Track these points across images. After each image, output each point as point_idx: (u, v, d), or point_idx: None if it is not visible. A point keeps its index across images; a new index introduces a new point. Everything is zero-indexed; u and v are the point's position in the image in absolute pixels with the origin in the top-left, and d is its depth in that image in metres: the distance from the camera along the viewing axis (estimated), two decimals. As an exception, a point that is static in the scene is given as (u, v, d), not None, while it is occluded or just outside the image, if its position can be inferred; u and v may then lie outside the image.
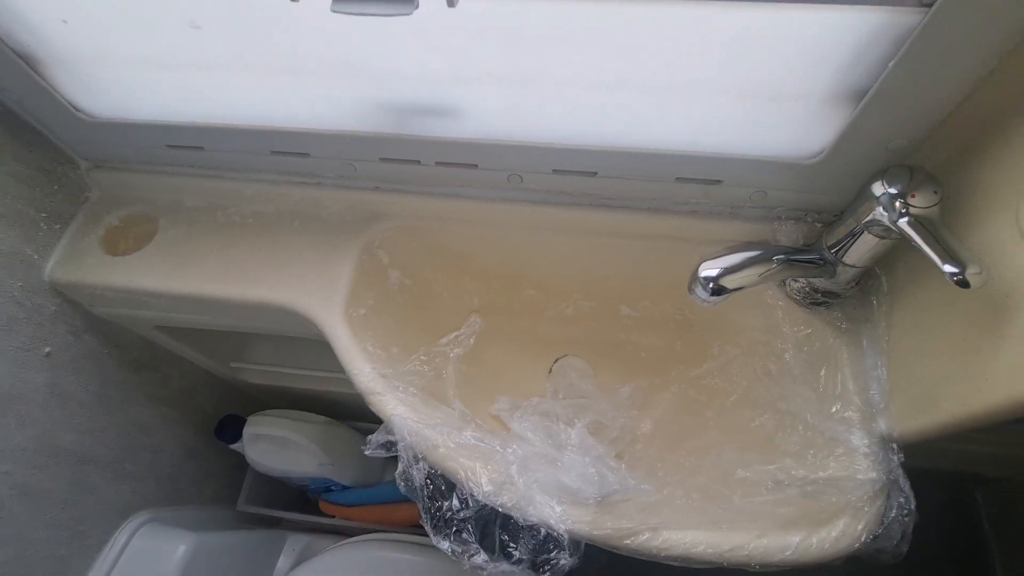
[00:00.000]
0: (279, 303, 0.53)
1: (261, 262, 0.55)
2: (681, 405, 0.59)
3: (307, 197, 0.57)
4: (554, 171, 0.47)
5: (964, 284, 0.33)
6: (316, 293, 0.53)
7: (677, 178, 0.46)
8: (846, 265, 0.43)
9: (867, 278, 0.47)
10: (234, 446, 0.86)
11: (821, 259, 0.44)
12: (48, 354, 0.57)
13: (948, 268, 0.33)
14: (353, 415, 0.91)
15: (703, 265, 0.37)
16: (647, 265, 0.58)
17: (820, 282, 0.46)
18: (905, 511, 0.41)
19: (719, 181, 0.45)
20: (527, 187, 0.50)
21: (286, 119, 0.48)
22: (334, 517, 0.90)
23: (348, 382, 0.50)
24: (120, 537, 0.69)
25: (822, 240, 0.44)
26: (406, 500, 0.86)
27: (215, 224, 0.58)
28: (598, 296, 0.64)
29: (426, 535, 0.84)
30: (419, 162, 0.49)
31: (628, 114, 0.43)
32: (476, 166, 0.48)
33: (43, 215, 0.55)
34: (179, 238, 0.58)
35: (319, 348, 0.82)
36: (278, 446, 0.83)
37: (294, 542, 0.91)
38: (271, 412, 0.84)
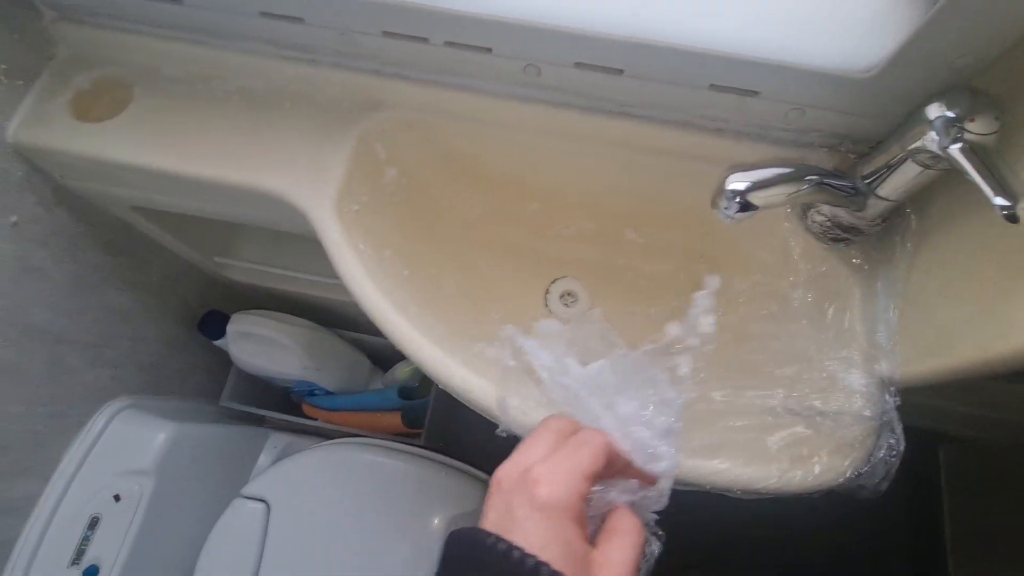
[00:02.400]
0: (266, 189, 0.49)
1: (247, 143, 0.51)
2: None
3: (300, 75, 0.51)
4: (576, 64, 0.42)
5: (1013, 219, 0.30)
6: (306, 182, 0.49)
7: (711, 85, 0.41)
8: (879, 198, 0.40)
9: (894, 216, 0.44)
10: (218, 342, 0.84)
11: (853, 189, 0.41)
12: (15, 224, 0.54)
13: (999, 200, 0.30)
14: (340, 323, 0.90)
15: (732, 176, 0.34)
16: (660, 186, 0.54)
17: (845, 216, 0.44)
18: (894, 452, 0.41)
19: (756, 92, 0.41)
20: (544, 83, 0.45)
21: (279, -26, 0.42)
22: (316, 420, 0.90)
23: (337, 288, 0.48)
24: (99, 420, 0.68)
25: (856, 169, 0.41)
26: (390, 409, 0.87)
27: (197, 96, 0.53)
28: (604, 217, 0.61)
29: (406, 443, 0.85)
30: (427, 40, 0.43)
31: (668, 1, 0.38)
32: (490, 50, 0.43)
33: (2, 66, 0.49)
34: (157, 108, 0.52)
35: (307, 251, 0.79)
36: (263, 346, 0.82)
37: (276, 440, 0.92)
38: (258, 311, 0.82)
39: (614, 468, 0.28)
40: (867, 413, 0.41)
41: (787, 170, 0.35)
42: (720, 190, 0.34)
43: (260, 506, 0.71)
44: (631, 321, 0.61)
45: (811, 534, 1.09)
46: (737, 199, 0.33)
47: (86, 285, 0.64)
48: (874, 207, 0.41)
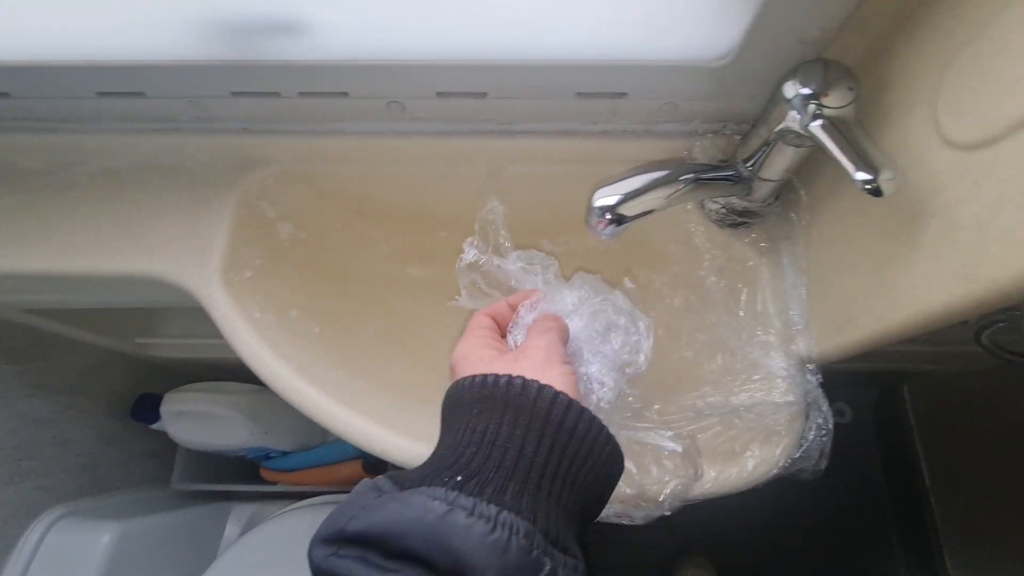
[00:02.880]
0: (144, 273, 0.46)
1: (118, 227, 0.47)
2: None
3: (165, 146, 0.48)
4: (438, 94, 0.41)
5: (876, 192, 0.29)
6: (187, 257, 0.46)
7: (577, 93, 0.40)
8: (762, 180, 0.40)
9: (788, 191, 0.44)
10: (155, 426, 0.80)
11: (736, 175, 0.40)
12: None
13: (860, 175, 0.30)
14: (284, 380, 0.86)
15: (598, 192, 0.32)
16: (563, 195, 0.52)
17: (738, 201, 0.43)
18: (824, 431, 0.40)
19: (624, 94, 0.40)
20: (413, 116, 0.44)
21: (106, 52, 0.39)
22: (276, 484, 0.87)
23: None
24: (30, 538, 0.64)
25: (737, 154, 0.40)
26: (349, 459, 0.84)
27: (59, 187, 0.49)
28: (517, 234, 0.59)
29: (373, 491, 0.82)
30: (279, 94, 0.41)
31: (513, 19, 0.36)
32: (347, 94, 0.41)
33: None
34: (19, 206, 0.49)
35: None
36: (202, 421, 0.78)
37: (240, 512, 0.88)
38: (191, 386, 0.78)
39: (505, 317, 0.35)
40: (791, 398, 0.40)
41: (658, 174, 0.34)
42: (589, 207, 0.33)
43: (221, 593, 0.67)
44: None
45: (791, 491, 1.10)
46: (607, 215, 0.32)
47: (-14, 401, 0.59)
48: (761, 189, 0.41)
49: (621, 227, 0.33)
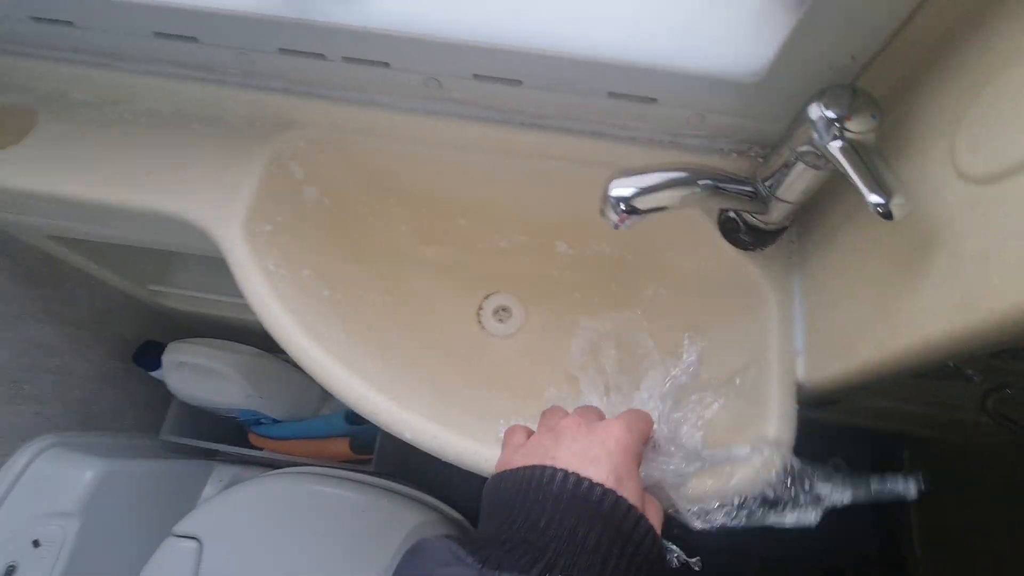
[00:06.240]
0: (168, 212, 0.48)
1: (152, 166, 0.49)
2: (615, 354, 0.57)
3: (208, 97, 0.50)
4: (475, 76, 0.42)
5: (888, 215, 0.30)
6: (212, 203, 0.48)
7: (609, 93, 0.41)
8: (779, 200, 0.40)
9: (804, 216, 0.44)
10: (155, 373, 0.82)
11: (754, 192, 0.40)
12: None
13: (873, 198, 0.30)
14: (285, 348, 0.88)
15: (615, 182, 0.33)
16: (583, 196, 0.53)
17: (753, 219, 0.43)
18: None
19: (654, 100, 0.41)
20: (448, 96, 0.45)
21: (168, -6, 0.41)
22: (263, 450, 0.87)
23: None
24: (18, 460, 0.65)
25: (757, 172, 0.41)
26: (337, 435, 0.85)
27: (103, 121, 0.51)
28: (534, 230, 0.60)
29: (356, 471, 0.83)
30: (324, 56, 0.43)
31: (556, 11, 0.38)
32: (388, 64, 0.42)
33: None
34: (61, 135, 0.51)
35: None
36: (201, 375, 0.79)
37: (221, 472, 0.89)
38: (195, 340, 0.79)
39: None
40: (774, 421, 0.40)
41: (677, 174, 0.35)
42: (604, 196, 0.33)
43: (192, 544, 0.67)
44: (565, 332, 0.60)
45: (780, 543, 1.08)
46: (621, 205, 0.33)
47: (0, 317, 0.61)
48: (777, 209, 0.41)
49: (634, 218, 0.33)
